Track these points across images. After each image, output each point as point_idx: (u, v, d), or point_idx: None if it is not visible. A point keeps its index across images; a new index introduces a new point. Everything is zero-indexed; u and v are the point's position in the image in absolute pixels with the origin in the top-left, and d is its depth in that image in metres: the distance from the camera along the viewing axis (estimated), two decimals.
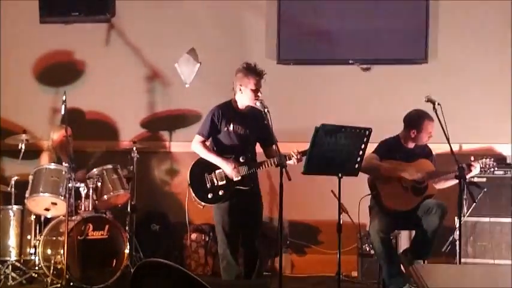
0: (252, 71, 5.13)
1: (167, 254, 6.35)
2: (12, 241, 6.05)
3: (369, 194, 5.56)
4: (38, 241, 5.85)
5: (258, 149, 5.37)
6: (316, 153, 4.68)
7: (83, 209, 5.93)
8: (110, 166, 6.10)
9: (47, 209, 5.93)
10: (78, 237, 5.71)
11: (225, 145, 5.22)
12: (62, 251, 5.60)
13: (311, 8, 6.68)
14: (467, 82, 6.62)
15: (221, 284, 5.32)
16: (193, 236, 6.50)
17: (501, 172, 6.08)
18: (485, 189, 5.97)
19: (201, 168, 5.18)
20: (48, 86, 7.04)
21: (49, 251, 5.79)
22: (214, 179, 5.15)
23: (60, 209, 5.87)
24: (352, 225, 5.70)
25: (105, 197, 6.04)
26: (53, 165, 5.96)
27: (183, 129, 6.94)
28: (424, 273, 3.02)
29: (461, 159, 5.23)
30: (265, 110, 4.96)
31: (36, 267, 5.87)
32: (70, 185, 5.72)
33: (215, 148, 5.26)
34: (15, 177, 6.09)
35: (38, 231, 6.01)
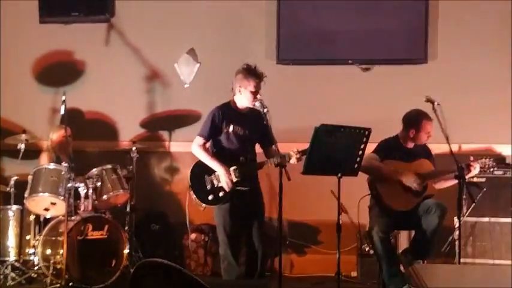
0: (252, 73, 5.13)
1: (167, 254, 6.34)
2: (11, 241, 6.04)
3: (368, 194, 5.56)
4: (37, 241, 5.85)
5: (258, 149, 5.37)
6: (316, 153, 4.68)
7: (82, 209, 5.92)
8: (109, 166, 6.10)
9: (47, 209, 5.93)
10: (78, 237, 5.71)
11: (224, 146, 5.22)
12: (61, 251, 5.60)
13: (311, 8, 6.68)
14: (466, 82, 6.62)
15: (221, 284, 5.32)
16: (193, 236, 6.50)
17: (501, 172, 6.07)
18: (484, 189, 5.97)
19: (201, 169, 5.18)
20: (47, 86, 7.04)
21: (48, 251, 5.79)
22: (215, 181, 5.15)
23: (59, 209, 5.87)
24: (351, 225, 5.71)
25: (105, 197, 6.04)
26: (52, 165, 5.96)
27: (182, 129, 6.94)
28: (423, 273, 3.03)
29: (461, 160, 5.23)
30: (265, 110, 4.96)
31: (36, 268, 5.86)
32: (69, 185, 5.72)
33: (215, 149, 5.26)
34: (15, 177, 6.08)
35: (37, 231, 6.01)
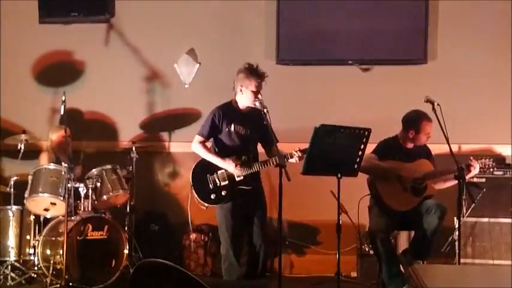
0: (254, 73, 5.13)
1: (166, 254, 6.32)
2: (11, 241, 6.05)
3: (368, 194, 5.56)
4: (37, 241, 5.85)
5: (260, 149, 5.37)
6: (316, 154, 4.68)
7: (82, 209, 5.92)
8: (109, 166, 6.10)
9: (46, 209, 5.94)
10: (78, 237, 5.71)
11: (226, 145, 5.23)
12: (61, 251, 5.60)
13: (310, 8, 6.68)
14: (466, 82, 6.62)
15: (221, 285, 5.32)
16: (193, 236, 6.50)
17: (500, 172, 6.08)
18: (484, 190, 5.96)
19: (203, 169, 5.18)
20: (47, 86, 7.03)
21: (48, 251, 5.79)
22: (217, 180, 5.15)
23: (59, 209, 5.87)
24: (351, 226, 5.71)
25: (105, 197, 6.04)
26: (52, 166, 5.96)
27: (182, 130, 6.94)
28: (423, 273, 3.03)
29: (461, 160, 5.23)
30: (265, 110, 4.97)
31: (36, 268, 5.87)
32: (69, 185, 5.73)
33: (216, 149, 5.26)
34: (15, 178, 6.08)
35: (37, 231, 6.01)
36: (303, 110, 6.67)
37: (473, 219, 6.06)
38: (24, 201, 5.90)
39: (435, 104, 5.14)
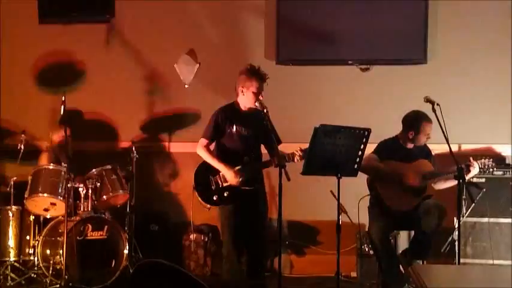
0: (255, 74, 5.14)
1: (166, 254, 6.33)
2: (11, 241, 6.05)
3: (368, 195, 5.56)
4: (37, 241, 5.86)
5: (263, 149, 5.37)
6: (315, 154, 4.68)
7: (82, 209, 5.92)
8: (109, 166, 6.09)
9: (46, 210, 5.94)
10: (77, 237, 5.71)
11: (229, 146, 5.23)
12: (61, 252, 5.60)
13: (310, 8, 6.68)
14: (466, 82, 6.62)
15: (220, 285, 5.33)
16: (193, 236, 6.50)
17: (500, 172, 6.07)
18: (484, 190, 5.96)
19: (206, 170, 5.19)
20: (47, 86, 7.03)
21: (48, 252, 5.80)
22: (219, 181, 5.16)
23: (59, 209, 5.87)
24: (351, 226, 5.70)
25: (104, 197, 6.04)
26: (52, 166, 5.96)
27: (182, 130, 6.93)
28: (423, 273, 3.03)
29: (461, 160, 5.22)
30: (265, 111, 4.97)
31: (35, 268, 5.86)
32: (69, 185, 5.72)
33: (219, 150, 5.27)
34: (14, 178, 6.08)
35: (37, 231, 6.01)
36: (303, 111, 6.67)
37: (473, 219, 6.05)
38: (24, 201, 5.90)
39: (435, 103, 5.14)
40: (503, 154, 6.48)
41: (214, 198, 5.15)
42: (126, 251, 5.89)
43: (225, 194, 5.15)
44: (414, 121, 5.50)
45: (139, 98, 7.00)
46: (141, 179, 6.57)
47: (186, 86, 6.90)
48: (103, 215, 5.96)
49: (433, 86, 6.31)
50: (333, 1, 6.69)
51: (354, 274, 6.37)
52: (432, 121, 5.34)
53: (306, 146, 4.84)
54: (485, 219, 6.02)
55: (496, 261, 5.93)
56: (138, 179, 6.40)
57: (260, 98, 5.10)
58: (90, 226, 5.81)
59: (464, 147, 6.49)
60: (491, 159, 5.38)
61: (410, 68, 6.66)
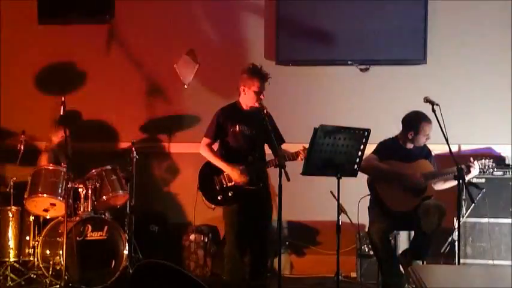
0: (257, 73, 5.14)
1: (166, 255, 6.34)
2: (11, 242, 6.04)
3: (368, 195, 5.56)
4: (36, 242, 5.85)
5: (267, 149, 5.37)
6: (315, 154, 4.68)
7: (81, 209, 5.92)
8: (109, 167, 6.09)
9: (46, 210, 5.93)
10: (77, 238, 5.71)
11: (232, 146, 5.24)
12: (60, 252, 5.60)
13: (309, 8, 6.68)
14: (466, 83, 6.62)
15: (220, 285, 5.32)
16: (192, 237, 6.50)
17: (500, 173, 6.07)
18: (484, 190, 5.95)
19: (210, 170, 5.20)
20: (47, 86, 7.03)
21: (48, 252, 5.79)
22: (223, 181, 5.16)
23: (59, 209, 5.87)
24: (351, 226, 5.70)
25: (104, 197, 6.04)
26: (51, 166, 5.96)
27: (182, 130, 6.93)
28: (423, 274, 3.03)
29: (460, 160, 5.22)
30: (264, 111, 4.97)
31: (35, 268, 5.86)
32: (69, 185, 5.72)
33: (223, 150, 5.27)
34: (14, 178, 6.07)
35: (36, 232, 6.01)
36: (302, 111, 6.67)
37: (473, 220, 6.05)
38: (24, 201, 5.90)
39: (434, 104, 5.13)
40: (503, 154, 6.47)
41: (219, 198, 5.15)
42: (126, 252, 5.88)
43: (230, 194, 5.15)
44: (414, 121, 5.50)
45: (139, 98, 7.00)
46: (141, 179, 6.57)
47: (186, 86, 6.90)
48: (103, 216, 5.96)
49: (433, 86, 6.31)
50: (333, 1, 6.69)
51: (353, 274, 6.37)
52: (432, 122, 5.34)
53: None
54: (485, 220, 6.02)
55: (496, 262, 5.93)
56: (138, 180, 6.40)
57: (261, 97, 5.11)
58: (90, 226, 5.80)
59: (464, 147, 6.49)
60: (491, 160, 5.39)
61: (409, 68, 6.66)
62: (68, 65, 7.05)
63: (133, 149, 6.37)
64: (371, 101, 6.69)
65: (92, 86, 7.00)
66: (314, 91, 6.79)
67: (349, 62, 6.67)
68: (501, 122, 6.49)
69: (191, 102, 6.91)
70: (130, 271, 5.73)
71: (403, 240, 6.19)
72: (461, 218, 5.51)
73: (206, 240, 6.50)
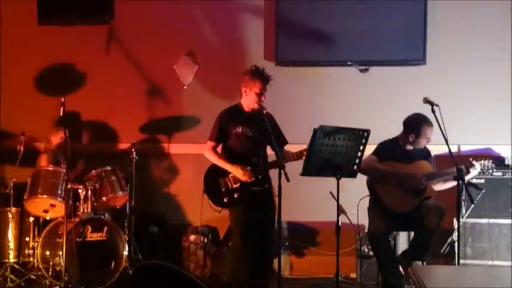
0: (259, 75, 5.15)
1: (166, 255, 6.34)
2: (10, 243, 6.04)
3: (367, 195, 5.56)
4: (36, 243, 5.85)
5: (269, 150, 5.37)
6: (315, 155, 4.68)
7: (81, 210, 5.92)
8: (108, 168, 6.09)
9: (46, 211, 5.93)
10: (77, 239, 5.71)
11: (236, 148, 5.24)
12: (60, 253, 5.59)
13: (309, 9, 6.68)
14: (465, 83, 6.61)
15: (220, 286, 5.32)
16: (192, 237, 6.50)
17: (500, 173, 6.07)
18: (483, 191, 5.95)
19: (215, 172, 5.21)
20: (47, 88, 7.03)
21: (48, 253, 5.79)
22: (229, 183, 5.16)
23: (58, 210, 5.86)
24: (350, 227, 5.70)
25: (104, 198, 6.04)
26: (51, 167, 5.96)
27: (181, 131, 6.93)
28: (422, 274, 3.02)
29: (460, 161, 5.22)
30: (264, 112, 4.97)
31: (35, 269, 5.86)
32: (69, 186, 5.72)
33: (227, 152, 5.28)
34: (14, 179, 6.07)
35: (36, 233, 6.00)
36: (302, 111, 6.67)
37: (473, 220, 6.05)
38: (24, 202, 5.90)
39: (434, 104, 5.13)
40: (502, 155, 6.47)
41: (225, 200, 5.16)
42: (125, 253, 5.88)
43: (235, 196, 5.15)
44: (415, 124, 5.50)
45: (139, 99, 7.00)
46: (141, 180, 6.57)
47: (185, 87, 6.90)
48: (102, 217, 5.96)
49: (432, 87, 6.32)
50: (332, 2, 6.69)
51: (353, 275, 6.37)
52: (433, 125, 5.33)
53: (301, 149, 4.85)
54: (485, 220, 6.02)
55: (495, 262, 5.92)
56: (137, 181, 6.40)
57: (262, 99, 5.11)
58: (89, 227, 5.80)
59: (464, 148, 6.49)
60: (490, 160, 5.39)
61: (409, 69, 6.66)
62: (68, 65, 7.05)
63: (133, 149, 6.37)
64: (370, 102, 6.70)
65: (91, 87, 7.00)
66: (314, 92, 6.79)
67: (348, 63, 6.68)
68: (501, 123, 6.49)
69: (191, 103, 6.91)
70: (130, 272, 5.73)
71: (403, 240, 6.19)
72: (460, 219, 5.51)
73: (206, 241, 6.49)
